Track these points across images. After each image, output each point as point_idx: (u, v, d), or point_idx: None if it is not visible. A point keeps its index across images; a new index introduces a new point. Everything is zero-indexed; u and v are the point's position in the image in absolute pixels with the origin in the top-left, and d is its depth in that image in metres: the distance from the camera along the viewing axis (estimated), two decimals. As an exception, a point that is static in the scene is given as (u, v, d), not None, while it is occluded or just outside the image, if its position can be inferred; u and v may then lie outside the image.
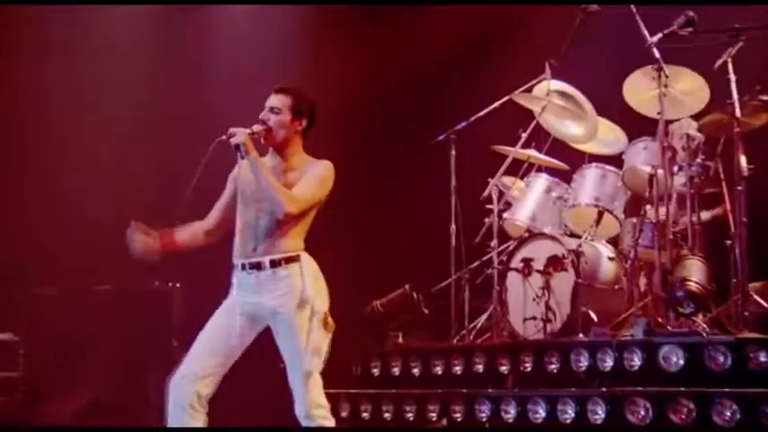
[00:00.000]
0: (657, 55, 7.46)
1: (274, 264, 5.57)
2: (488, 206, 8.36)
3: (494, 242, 8.33)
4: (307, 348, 5.51)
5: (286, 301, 5.54)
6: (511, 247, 8.27)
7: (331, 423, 5.61)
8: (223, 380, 5.66)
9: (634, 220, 8.03)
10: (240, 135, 5.52)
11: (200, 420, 5.55)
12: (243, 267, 5.62)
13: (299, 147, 5.75)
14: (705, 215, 7.94)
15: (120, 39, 9.88)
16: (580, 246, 7.87)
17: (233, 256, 5.68)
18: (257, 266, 5.60)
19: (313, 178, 5.63)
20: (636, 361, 6.94)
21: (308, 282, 5.54)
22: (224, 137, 5.55)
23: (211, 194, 5.85)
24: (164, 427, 5.59)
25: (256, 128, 5.63)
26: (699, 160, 7.68)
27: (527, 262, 7.90)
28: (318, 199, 5.64)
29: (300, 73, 5.88)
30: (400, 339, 8.65)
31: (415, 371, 8.02)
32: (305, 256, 5.61)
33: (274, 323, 5.61)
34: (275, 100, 5.70)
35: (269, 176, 5.54)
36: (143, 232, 5.70)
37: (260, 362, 5.90)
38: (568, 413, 6.94)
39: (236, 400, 5.73)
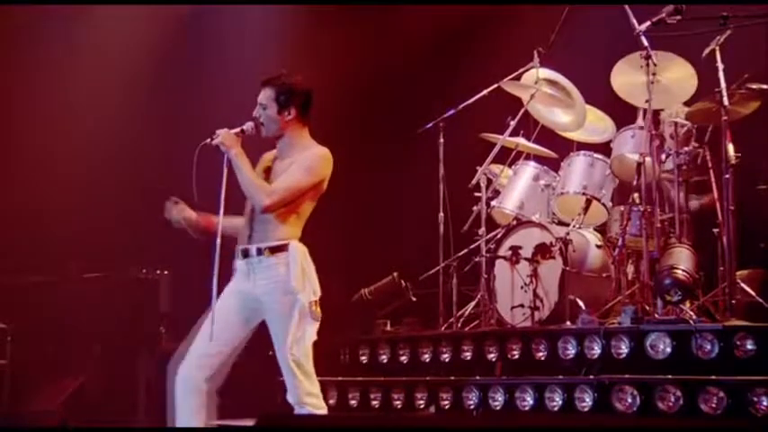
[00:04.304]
0: (646, 43, 7.46)
1: (260, 252, 5.61)
2: (477, 194, 8.36)
3: (482, 230, 8.33)
4: (293, 337, 5.52)
5: (270, 290, 5.58)
6: (499, 235, 8.28)
7: (323, 411, 5.64)
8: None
9: (622, 208, 8.04)
10: (219, 136, 5.60)
11: (204, 406, 5.58)
12: (238, 253, 5.68)
13: (301, 134, 5.76)
14: (693, 204, 7.96)
15: (120, 36, 9.87)
16: (568, 234, 7.88)
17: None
18: (246, 253, 5.63)
19: (297, 168, 5.64)
20: (623, 348, 6.96)
21: (293, 272, 5.55)
22: (208, 140, 5.60)
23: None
24: (164, 427, 5.61)
25: (247, 126, 5.70)
26: (687, 148, 7.70)
27: (515, 250, 7.91)
28: (302, 187, 5.62)
29: (288, 66, 5.90)
30: (388, 327, 8.67)
31: (403, 358, 8.04)
32: (295, 246, 5.61)
33: (262, 311, 5.63)
34: (261, 95, 5.76)
35: (247, 173, 5.59)
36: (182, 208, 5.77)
37: (249, 351, 5.89)
38: (556, 400, 6.96)
39: (229, 391, 5.74)
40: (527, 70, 8.53)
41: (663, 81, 7.80)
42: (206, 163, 5.64)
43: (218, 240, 5.60)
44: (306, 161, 5.65)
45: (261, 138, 5.78)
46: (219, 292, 5.67)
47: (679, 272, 7.09)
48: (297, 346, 5.54)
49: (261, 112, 5.72)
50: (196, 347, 5.62)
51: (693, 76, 7.90)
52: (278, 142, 5.78)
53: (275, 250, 5.59)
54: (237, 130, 5.67)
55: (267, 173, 5.76)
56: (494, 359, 7.57)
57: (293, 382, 5.56)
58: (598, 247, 8.08)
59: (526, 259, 7.82)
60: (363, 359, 8.23)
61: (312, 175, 5.65)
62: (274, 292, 5.56)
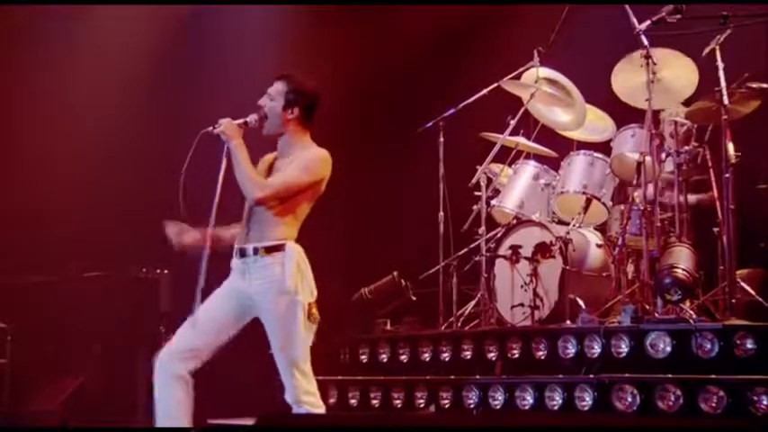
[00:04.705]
0: (646, 42, 7.46)
1: (257, 251, 5.61)
2: (477, 193, 8.36)
3: (482, 229, 8.33)
4: (289, 337, 5.52)
5: (265, 290, 5.57)
6: (499, 235, 8.28)
7: (321, 410, 5.63)
8: (213, 370, 5.69)
9: (622, 207, 8.05)
10: (222, 125, 5.61)
11: (185, 394, 5.58)
12: (235, 253, 5.68)
13: (301, 134, 5.76)
14: (691, 198, 7.96)
15: (120, 36, 9.87)
16: (568, 233, 7.89)
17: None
18: (243, 253, 5.64)
19: (294, 166, 5.65)
20: (623, 348, 6.97)
21: (288, 272, 5.53)
22: (210, 128, 5.61)
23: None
24: (164, 427, 5.60)
25: (250, 118, 5.70)
26: (687, 147, 7.70)
27: (515, 249, 7.91)
28: (298, 185, 5.62)
29: (285, 66, 5.93)
30: (388, 326, 8.67)
31: (403, 357, 8.03)
32: (291, 246, 5.60)
33: (256, 310, 5.64)
34: (273, 87, 5.77)
35: (245, 164, 5.58)
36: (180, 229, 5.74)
37: (248, 350, 5.90)
38: (556, 400, 6.96)
39: (227, 389, 5.75)
40: (527, 69, 8.54)
41: (663, 80, 7.80)
42: (204, 158, 5.64)
43: (210, 229, 5.59)
44: (304, 160, 5.66)
45: (262, 135, 5.77)
46: (211, 288, 5.67)
47: (679, 271, 7.09)
48: (298, 346, 5.55)
49: (267, 102, 5.73)
50: (181, 339, 5.63)
51: (694, 71, 7.90)
52: (278, 141, 5.78)
53: (271, 250, 5.58)
54: (241, 121, 5.67)
55: (268, 173, 5.76)
56: (494, 358, 7.57)
57: (291, 382, 5.56)
58: (598, 246, 8.08)
59: (526, 258, 7.82)
60: (363, 358, 8.23)
61: (309, 175, 5.65)
62: (269, 291, 5.55)
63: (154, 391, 5.61)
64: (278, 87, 5.74)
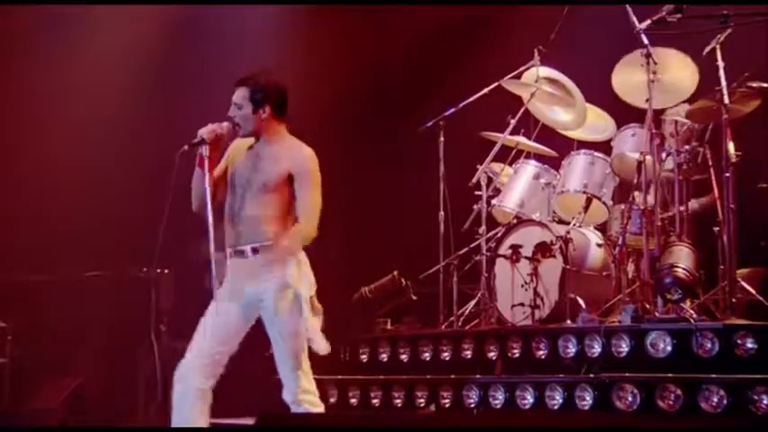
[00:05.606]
0: (646, 41, 7.46)
1: (255, 251, 5.61)
2: (477, 193, 8.37)
3: (482, 228, 8.34)
4: (292, 332, 5.52)
5: (267, 288, 5.58)
6: (499, 234, 8.28)
7: (319, 409, 5.63)
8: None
9: (622, 206, 8.04)
10: (202, 149, 5.59)
11: (203, 413, 5.60)
12: (231, 255, 5.66)
13: (279, 132, 5.76)
14: (693, 204, 7.96)
15: (120, 36, 9.87)
16: (568, 232, 7.88)
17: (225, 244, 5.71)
18: (241, 254, 5.63)
19: (307, 185, 5.65)
20: (624, 347, 6.97)
21: (288, 268, 5.55)
22: (185, 147, 5.61)
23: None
24: (163, 427, 5.60)
25: (225, 125, 5.68)
26: (688, 147, 7.70)
27: (515, 248, 7.90)
28: (319, 195, 5.67)
29: (286, 65, 5.92)
30: (389, 325, 8.67)
31: (404, 357, 8.03)
32: None
33: (261, 309, 5.63)
34: (236, 95, 5.73)
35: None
36: None
37: (247, 350, 5.89)
38: (556, 399, 6.96)
39: (227, 389, 5.74)
40: (527, 69, 8.54)
41: (663, 80, 7.79)
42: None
43: (211, 245, 5.57)
44: (308, 173, 5.65)
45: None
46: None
47: (679, 270, 7.08)
48: (301, 341, 5.55)
49: (236, 112, 5.69)
50: (199, 350, 5.62)
51: (695, 72, 7.89)
52: (256, 141, 5.76)
53: (270, 248, 5.59)
54: (219, 132, 5.63)
55: (225, 170, 5.76)
56: (494, 358, 7.57)
57: (292, 379, 5.57)
58: (598, 245, 8.08)
59: (526, 258, 7.81)
60: (364, 358, 8.23)
61: (318, 181, 5.68)
62: (273, 288, 5.56)
63: (179, 407, 5.60)
64: (241, 93, 5.70)
